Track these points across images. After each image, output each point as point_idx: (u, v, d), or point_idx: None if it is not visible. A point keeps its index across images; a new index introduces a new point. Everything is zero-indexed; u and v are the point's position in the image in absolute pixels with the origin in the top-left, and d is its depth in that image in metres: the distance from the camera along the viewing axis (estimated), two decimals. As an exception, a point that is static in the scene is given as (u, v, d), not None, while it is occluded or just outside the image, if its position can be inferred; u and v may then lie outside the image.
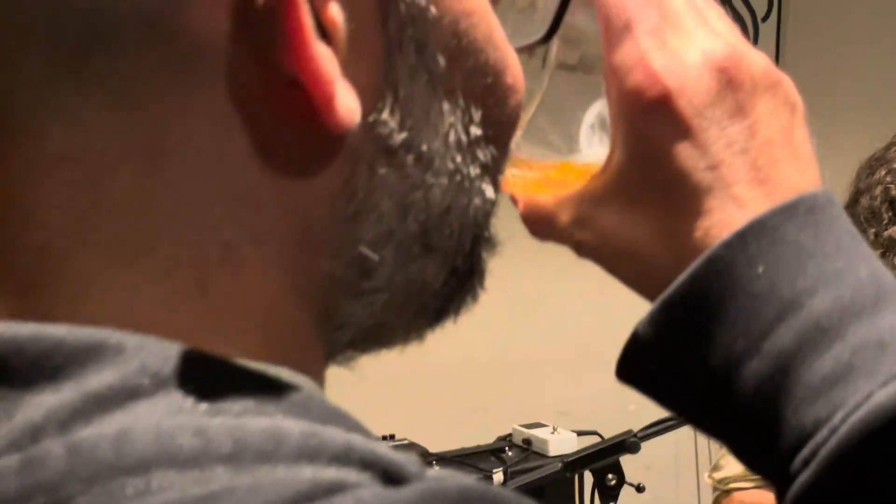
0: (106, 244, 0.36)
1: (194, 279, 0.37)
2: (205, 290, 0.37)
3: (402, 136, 0.40)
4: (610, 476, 1.70)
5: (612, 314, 2.98)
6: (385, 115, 0.39)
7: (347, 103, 0.37)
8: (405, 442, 2.34)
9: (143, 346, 0.34)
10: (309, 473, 0.32)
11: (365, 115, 0.38)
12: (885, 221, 2.01)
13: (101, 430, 0.32)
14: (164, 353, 0.34)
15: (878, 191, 2.03)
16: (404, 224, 0.42)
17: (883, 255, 1.99)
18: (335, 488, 0.32)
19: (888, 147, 2.07)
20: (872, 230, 2.01)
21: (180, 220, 0.37)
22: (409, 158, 0.40)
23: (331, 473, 0.32)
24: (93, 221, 0.36)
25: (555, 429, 2.45)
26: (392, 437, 2.35)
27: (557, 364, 2.87)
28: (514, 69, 0.45)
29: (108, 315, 0.35)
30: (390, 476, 0.33)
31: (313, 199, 0.39)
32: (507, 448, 2.44)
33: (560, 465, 1.73)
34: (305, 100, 0.36)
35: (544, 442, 2.39)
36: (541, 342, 2.86)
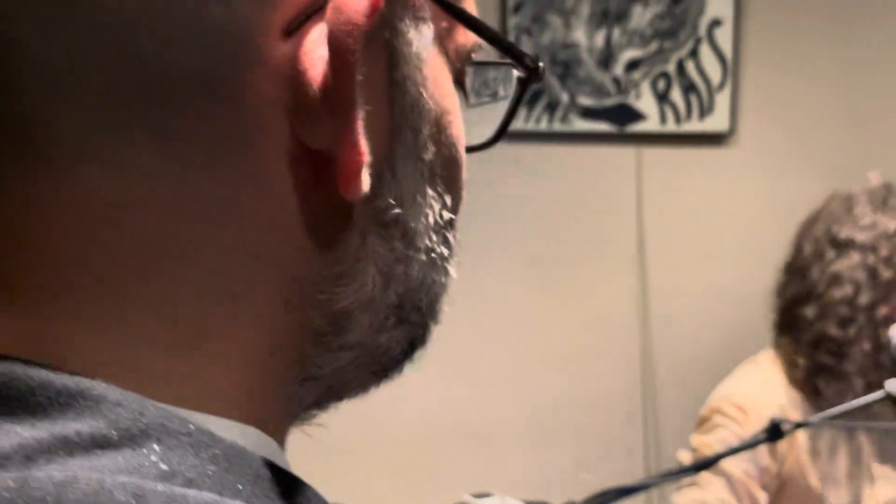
0: (120, 282, 0.38)
1: (199, 326, 0.39)
2: (206, 338, 0.40)
3: (395, 211, 0.44)
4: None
5: (567, 386, 2.97)
6: (384, 191, 0.44)
7: (366, 177, 0.41)
8: (347, 510, 2.29)
9: (122, 401, 0.36)
10: None
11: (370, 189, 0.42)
12: (829, 259, 2.03)
13: (53, 473, 0.34)
14: (140, 408, 0.36)
15: (820, 234, 2.07)
16: (385, 293, 0.46)
17: (826, 290, 2.01)
18: None
19: (828, 201, 2.13)
20: (816, 269, 2.04)
21: (196, 269, 0.39)
22: (397, 233, 0.45)
23: None
24: (113, 259, 0.38)
25: (504, 499, 2.40)
26: (335, 504, 2.30)
27: (510, 434, 2.85)
28: (464, 165, 0.52)
29: (112, 358, 0.38)
30: None
31: (313, 257, 0.42)
32: (453, 518, 2.40)
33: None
34: (335, 168, 0.41)
35: (491, 512, 2.35)
36: (495, 412, 2.84)
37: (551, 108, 2.87)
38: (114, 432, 0.35)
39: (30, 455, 0.34)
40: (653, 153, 2.94)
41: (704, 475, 1.97)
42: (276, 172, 0.40)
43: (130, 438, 0.35)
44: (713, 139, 2.93)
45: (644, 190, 2.93)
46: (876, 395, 1.82)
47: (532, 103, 2.86)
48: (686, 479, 2.05)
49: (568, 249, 2.92)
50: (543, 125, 2.87)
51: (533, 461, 2.85)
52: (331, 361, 0.45)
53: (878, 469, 2.09)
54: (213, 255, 0.39)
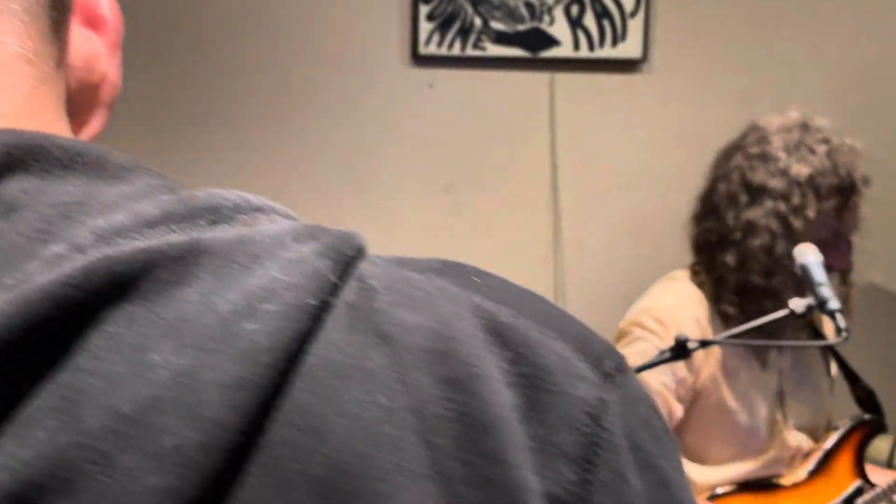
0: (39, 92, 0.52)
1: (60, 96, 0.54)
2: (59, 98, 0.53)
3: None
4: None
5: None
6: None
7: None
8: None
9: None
10: None
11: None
12: (743, 204, 2.04)
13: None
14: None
15: (735, 175, 2.07)
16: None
17: (743, 238, 2.03)
18: None
19: (744, 135, 2.11)
20: (731, 213, 2.05)
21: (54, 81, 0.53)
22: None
23: None
24: (38, 77, 0.51)
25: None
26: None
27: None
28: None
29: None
30: None
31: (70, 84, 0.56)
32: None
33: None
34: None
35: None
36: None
37: (464, 33, 2.85)
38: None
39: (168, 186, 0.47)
40: (566, 79, 2.94)
41: None
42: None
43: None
44: (626, 66, 2.94)
45: (557, 116, 2.93)
46: (780, 313, 1.86)
47: (445, 28, 2.83)
48: None
49: (481, 175, 2.92)
50: (456, 50, 2.85)
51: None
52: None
53: (787, 386, 2.14)
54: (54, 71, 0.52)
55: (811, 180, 2.01)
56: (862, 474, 2.16)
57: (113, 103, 0.57)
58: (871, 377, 2.18)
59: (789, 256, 1.99)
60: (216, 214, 0.45)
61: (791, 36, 3.02)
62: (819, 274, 1.88)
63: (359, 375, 0.43)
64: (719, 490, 2.07)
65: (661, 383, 2.01)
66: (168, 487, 0.38)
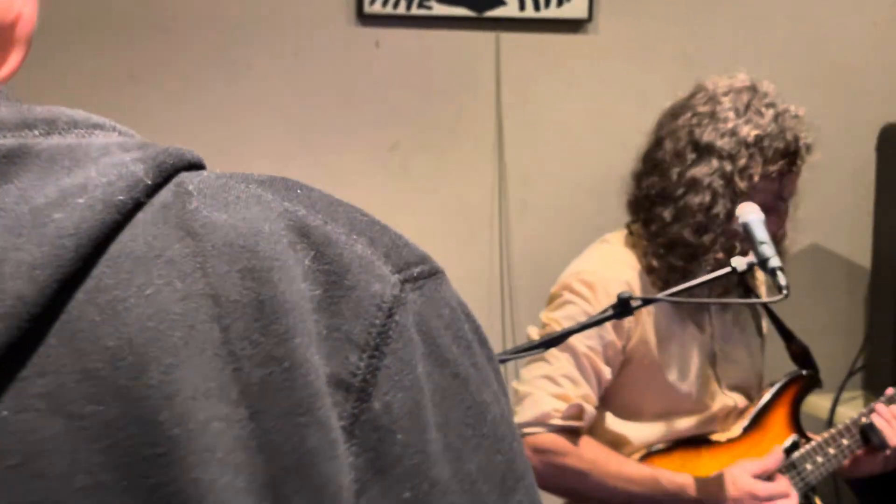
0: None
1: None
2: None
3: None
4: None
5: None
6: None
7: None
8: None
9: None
10: None
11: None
12: (689, 162, 2.06)
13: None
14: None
15: (683, 133, 2.08)
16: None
17: (684, 194, 2.05)
18: None
19: (692, 95, 2.12)
20: (676, 170, 2.07)
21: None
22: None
23: None
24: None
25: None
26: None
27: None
28: None
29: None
30: None
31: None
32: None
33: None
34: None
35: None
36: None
37: (411, -9, 2.83)
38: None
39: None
40: (512, 39, 2.94)
41: (552, 351, 2.02)
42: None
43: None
44: (572, 25, 2.94)
45: (503, 75, 2.93)
46: (722, 271, 1.89)
47: (391, -14, 2.82)
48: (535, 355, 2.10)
49: (427, 135, 2.91)
50: (402, 9, 2.84)
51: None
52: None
53: (720, 346, 2.17)
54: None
55: (759, 142, 2.03)
56: (798, 429, 2.21)
57: (30, 39, 0.59)
58: (809, 336, 2.22)
59: (726, 217, 2.02)
60: (51, 126, 0.51)
61: (735, -3, 3.04)
62: (761, 232, 1.90)
63: (159, 263, 0.48)
64: (654, 448, 2.10)
65: (588, 346, 2.04)
66: None
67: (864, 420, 2.17)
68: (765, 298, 2.24)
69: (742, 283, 2.20)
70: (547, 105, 3.00)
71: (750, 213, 1.95)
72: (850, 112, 3.23)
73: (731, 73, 2.14)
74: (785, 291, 1.84)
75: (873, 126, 2.92)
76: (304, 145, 2.77)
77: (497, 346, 2.91)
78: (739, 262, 1.86)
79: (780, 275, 1.84)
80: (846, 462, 2.18)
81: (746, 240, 1.92)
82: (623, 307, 1.77)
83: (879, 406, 2.18)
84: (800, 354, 2.26)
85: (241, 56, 2.71)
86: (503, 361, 1.85)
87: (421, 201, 2.90)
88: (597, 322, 1.80)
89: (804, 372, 2.25)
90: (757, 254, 1.88)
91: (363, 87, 2.83)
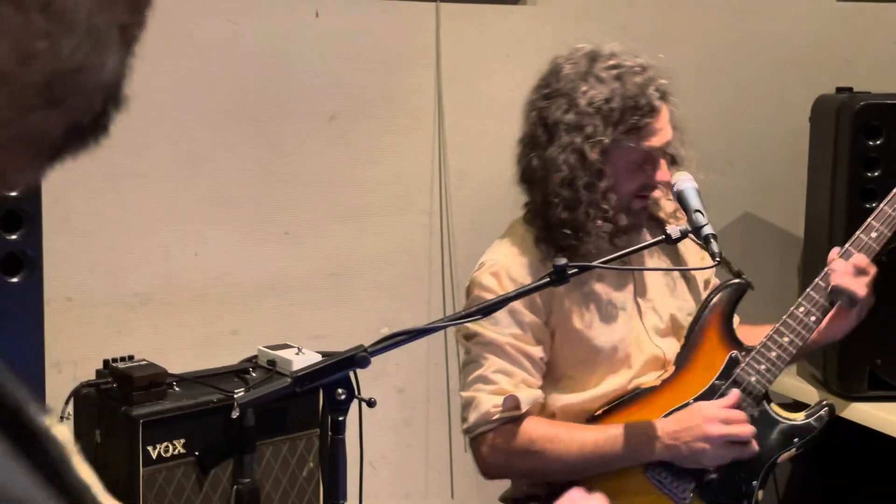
0: None
1: None
2: None
3: None
4: (340, 391, 1.71)
5: (366, 240, 2.99)
6: None
7: None
8: (143, 362, 2.28)
9: None
10: None
11: None
12: (543, 143, 2.08)
13: None
14: None
15: (533, 116, 2.11)
16: (26, 70, 0.44)
17: (546, 176, 2.07)
18: None
19: (542, 74, 2.15)
20: (534, 154, 2.09)
21: None
22: (37, 3, 0.43)
23: None
24: None
25: (300, 350, 2.44)
26: (131, 357, 2.29)
27: (312, 288, 2.87)
28: None
29: None
30: None
31: None
32: (251, 369, 2.43)
33: (289, 380, 1.72)
34: None
35: (288, 362, 2.39)
36: (295, 266, 2.84)
37: (350, -40, 2.83)
38: None
39: None
40: (451, 8, 2.94)
41: (477, 352, 2.07)
42: None
43: None
44: (510, -5, 2.96)
45: (442, 45, 2.94)
46: (657, 239, 1.92)
47: (330, -45, 2.81)
48: (463, 361, 2.17)
49: (367, 104, 2.91)
50: (342, -22, 2.83)
51: (333, 315, 2.89)
52: None
53: (643, 299, 2.19)
54: None
55: (599, 109, 2.02)
56: (734, 344, 2.18)
57: None
58: (742, 303, 2.25)
59: (589, 188, 2.03)
60: None
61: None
62: (694, 199, 1.93)
63: None
64: (597, 413, 2.12)
65: (510, 335, 2.07)
66: None
67: (822, 285, 2.11)
68: (696, 266, 2.26)
69: (653, 217, 2.20)
70: (485, 74, 3.01)
71: (683, 182, 1.98)
72: (783, 82, 3.28)
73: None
74: (717, 259, 1.88)
75: (807, 97, 2.96)
76: (243, 115, 2.76)
77: (437, 313, 2.93)
78: (674, 230, 1.89)
79: (713, 242, 1.87)
80: (814, 335, 2.13)
81: (681, 207, 1.96)
82: (559, 275, 1.80)
83: (835, 265, 2.11)
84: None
85: (180, 27, 2.68)
86: (434, 330, 1.89)
87: (360, 170, 2.91)
88: (533, 289, 1.83)
89: (722, 283, 2.22)
90: (691, 221, 1.91)
91: (302, 57, 2.82)
